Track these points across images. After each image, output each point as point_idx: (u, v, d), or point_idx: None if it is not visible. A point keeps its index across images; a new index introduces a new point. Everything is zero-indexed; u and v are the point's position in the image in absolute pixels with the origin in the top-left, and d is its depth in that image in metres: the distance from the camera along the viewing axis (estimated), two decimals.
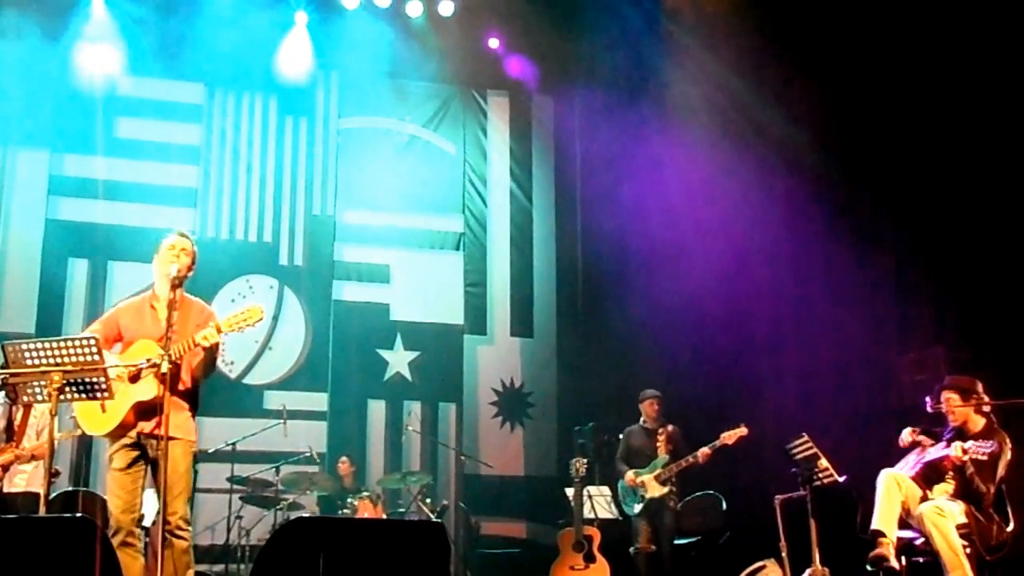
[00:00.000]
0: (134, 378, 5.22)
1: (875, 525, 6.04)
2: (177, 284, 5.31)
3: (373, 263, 11.26)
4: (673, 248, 10.00)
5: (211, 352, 5.29)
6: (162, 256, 5.45)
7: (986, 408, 6.24)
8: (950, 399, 6.28)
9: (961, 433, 6.26)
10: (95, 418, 5.28)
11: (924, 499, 6.16)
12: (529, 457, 11.25)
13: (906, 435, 6.50)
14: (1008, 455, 6.02)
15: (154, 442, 5.26)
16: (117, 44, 10.42)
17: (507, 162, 11.95)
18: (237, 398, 10.30)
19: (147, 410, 5.23)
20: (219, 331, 5.20)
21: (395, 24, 11.05)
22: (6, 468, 6.70)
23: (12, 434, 6.72)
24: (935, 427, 6.46)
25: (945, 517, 5.90)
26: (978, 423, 6.24)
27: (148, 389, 5.21)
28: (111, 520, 5.24)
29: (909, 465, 6.38)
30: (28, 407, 6.63)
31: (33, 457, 6.76)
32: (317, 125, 11.35)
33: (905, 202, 8.23)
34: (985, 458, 5.94)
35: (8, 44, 10.03)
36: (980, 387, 6.30)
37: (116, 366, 5.18)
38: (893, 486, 6.11)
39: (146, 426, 5.25)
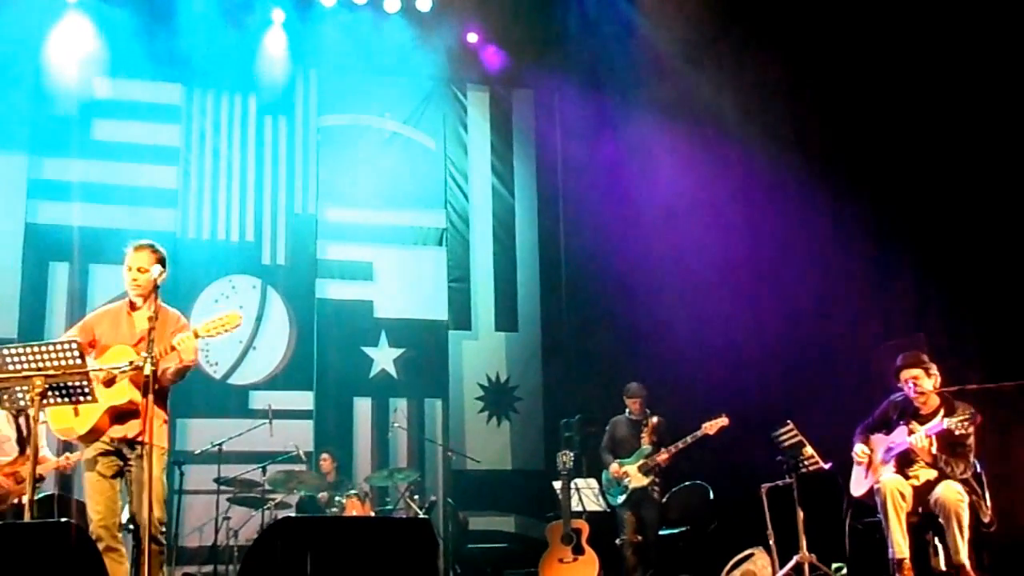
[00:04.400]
0: (108, 383, 5.18)
1: (897, 555, 5.91)
2: (146, 296, 5.33)
3: (356, 260, 11.23)
4: (656, 238, 10.01)
5: (189, 364, 5.24)
6: (125, 272, 5.38)
7: (938, 386, 6.16)
8: (918, 378, 6.14)
9: (916, 412, 6.21)
10: (67, 420, 5.21)
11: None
12: (516, 451, 11.26)
13: (860, 452, 6.43)
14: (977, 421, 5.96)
15: (128, 448, 5.25)
16: (93, 46, 10.35)
17: (488, 157, 11.94)
18: (222, 399, 10.28)
19: (122, 415, 5.20)
20: (196, 336, 5.18)
21: (373, 20, 11.01)
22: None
23: (24, 446, 6.67)
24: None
25: (964, 502, 5.84)
26: (935, 401, 6.20)
27: (122, 393, 5.18)
28: (91, 528, 5.17)
29: (882, 456, 6.36)
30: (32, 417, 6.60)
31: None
32: (297, 123, 11.30)
33: (886, 189, 8.26)
34: (971, 431, 5.92)
35: None
36: (926, 356, 6.25)
37: (99, 370, 5.15)
38: (899, 501, 5.99)
39: (121, 431, 5.22)
